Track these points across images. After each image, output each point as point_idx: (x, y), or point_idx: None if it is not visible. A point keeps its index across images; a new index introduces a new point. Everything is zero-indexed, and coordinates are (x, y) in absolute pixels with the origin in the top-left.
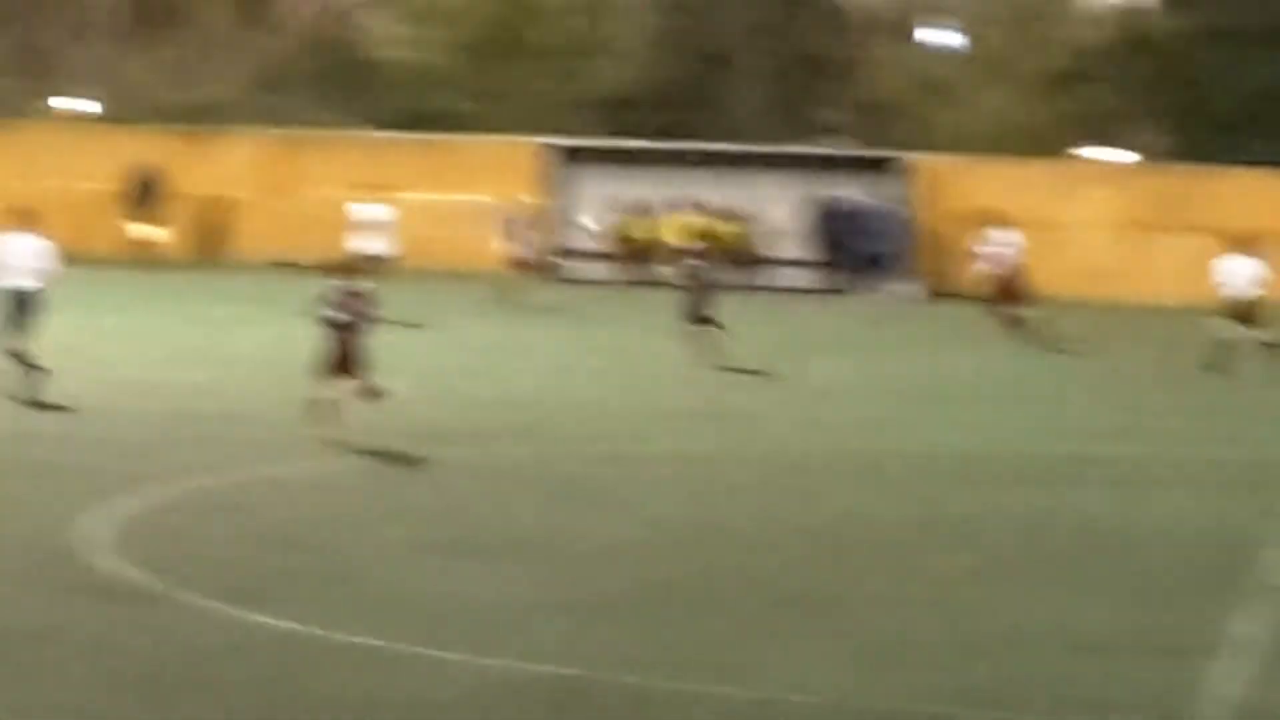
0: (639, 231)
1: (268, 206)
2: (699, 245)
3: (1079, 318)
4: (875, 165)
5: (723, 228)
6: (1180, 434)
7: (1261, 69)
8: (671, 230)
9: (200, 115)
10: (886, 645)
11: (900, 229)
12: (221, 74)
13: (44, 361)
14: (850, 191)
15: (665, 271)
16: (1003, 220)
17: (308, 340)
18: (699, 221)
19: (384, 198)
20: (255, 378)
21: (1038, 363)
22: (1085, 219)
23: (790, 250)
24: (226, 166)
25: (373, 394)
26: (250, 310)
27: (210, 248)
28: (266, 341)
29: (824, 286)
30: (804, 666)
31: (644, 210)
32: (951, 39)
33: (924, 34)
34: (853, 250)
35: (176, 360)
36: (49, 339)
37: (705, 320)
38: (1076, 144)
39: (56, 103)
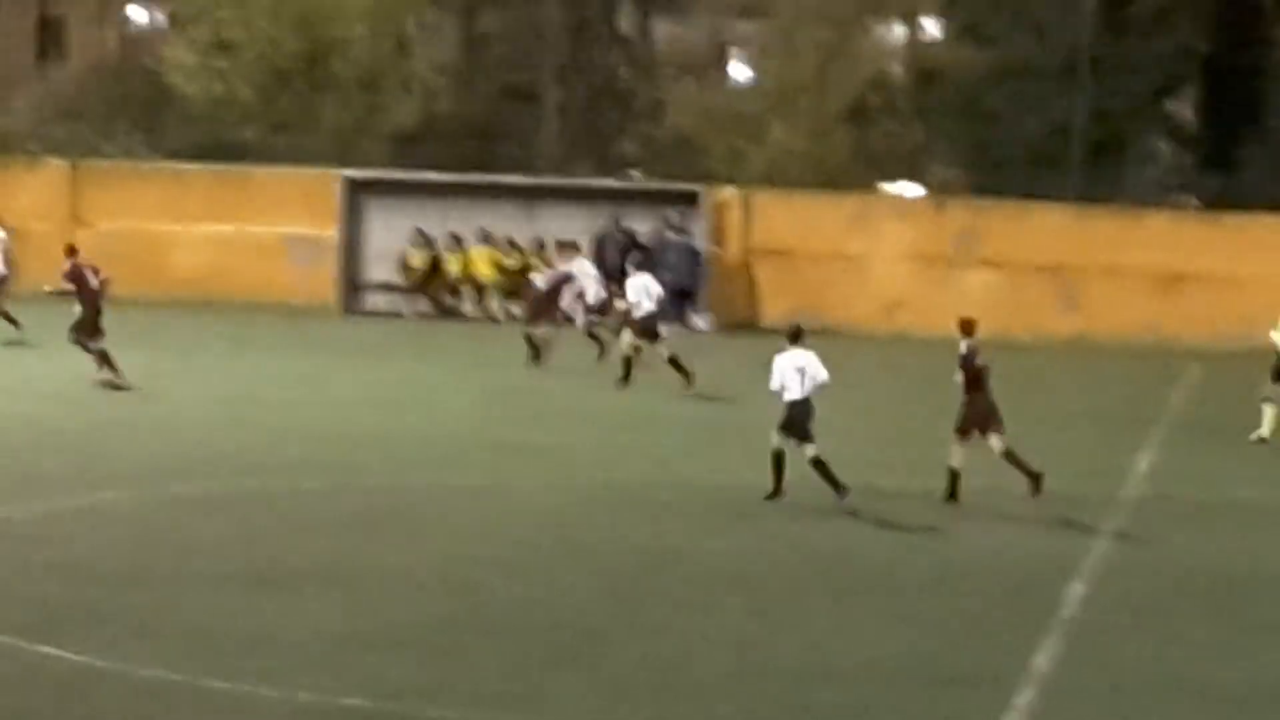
0: (430, 264)
1: (59, 238)
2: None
3: (873, 349)
4: (672, 199)
5: (519, 260)
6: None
7: (1050, 105)
8: (470, 263)
9: None
10: (668, 676)
11: (694, 262)
12: (11, 104)
13: None
14: (642, 225)
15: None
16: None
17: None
18: (496, 254)
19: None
20: (58, 409)
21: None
22: (880, 252)
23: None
24: (15, 198)
25: None
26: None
27: None
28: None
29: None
30: (592, 696)
31: (440, 243)
32: (750, 75)
33: (731, 71)
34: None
35: None
36: None
37: None
38: (878, 179)
39: None
